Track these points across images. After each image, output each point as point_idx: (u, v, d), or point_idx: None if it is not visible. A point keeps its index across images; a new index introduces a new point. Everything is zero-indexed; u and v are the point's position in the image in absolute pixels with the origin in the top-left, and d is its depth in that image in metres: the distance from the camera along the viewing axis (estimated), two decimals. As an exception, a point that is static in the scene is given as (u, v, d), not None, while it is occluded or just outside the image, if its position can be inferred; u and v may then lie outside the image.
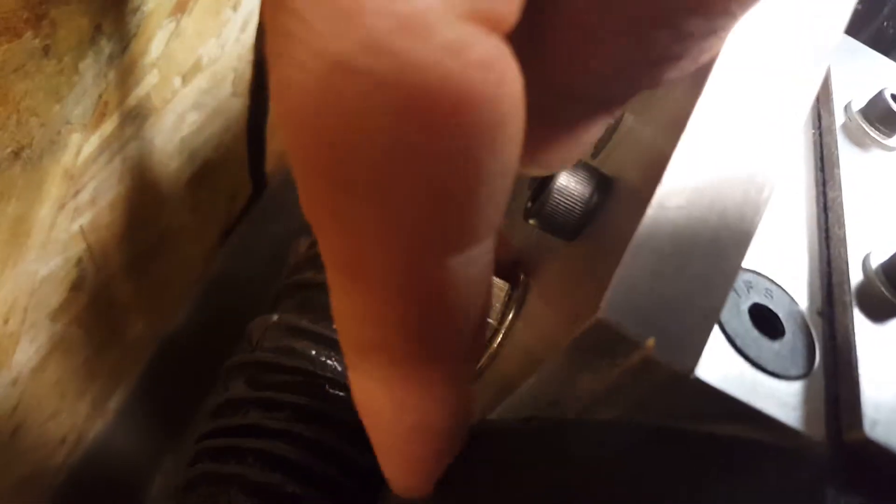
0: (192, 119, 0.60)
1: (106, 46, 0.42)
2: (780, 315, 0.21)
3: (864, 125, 0.27)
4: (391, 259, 0.13)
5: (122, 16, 0.42)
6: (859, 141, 0.27)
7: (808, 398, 0.20)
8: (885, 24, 0.34)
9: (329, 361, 0.36)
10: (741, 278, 0.21)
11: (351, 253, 0.13)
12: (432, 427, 0.16)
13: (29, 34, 0.35)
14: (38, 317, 0.50)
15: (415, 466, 0.17)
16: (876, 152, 0.27)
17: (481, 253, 0.14)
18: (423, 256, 0.13)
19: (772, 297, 0.21)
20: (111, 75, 0.44)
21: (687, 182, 0.19)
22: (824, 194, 0.25)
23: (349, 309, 0.14)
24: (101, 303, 0.59)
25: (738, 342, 0.20)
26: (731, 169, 0.19)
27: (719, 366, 0.19)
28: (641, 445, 0.20)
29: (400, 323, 0.14)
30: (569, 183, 0.23)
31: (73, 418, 0.62)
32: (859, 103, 0.28)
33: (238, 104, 0.66)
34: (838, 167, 0.25)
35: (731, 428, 0.19)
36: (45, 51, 0.36)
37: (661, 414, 0.20)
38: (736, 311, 0.20)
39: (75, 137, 0.44)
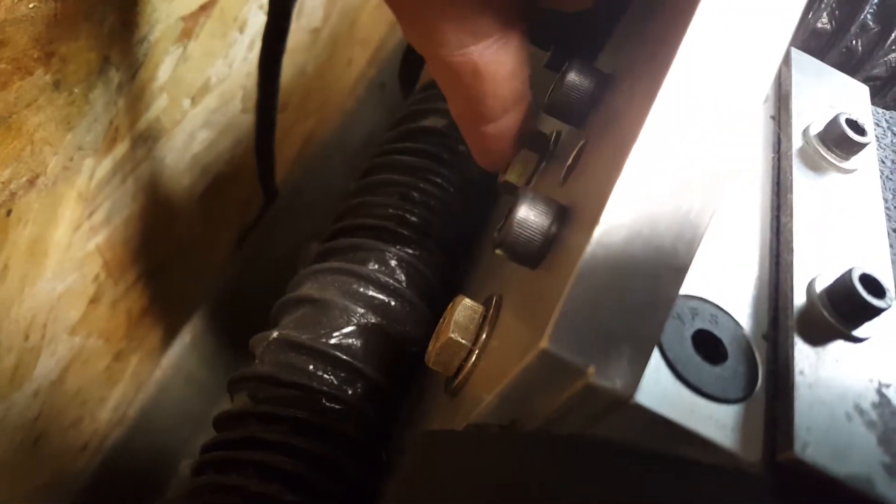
0: (203, 136, 0.62)
1: (115, 76, 0.44)
2: (724, 340, 0.22)
3: (820, 149, 0.28)
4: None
5: (129, 46, 0.44)
6: (815, 165, 0.28)
7: (747, 420, 0.21)
8: (853, 42, 0.35)
9: (326, 376, 0.38)
10: (687, 305, 0.23)
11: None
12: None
13: (40, 71, 0.37)
14: (57, 331, 0.52)
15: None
16: (832, 175, 0.28)
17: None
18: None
19: (717, 322, 0.23)
20: (121, 102, 0.46)
21: (625, 220, 0.20)
22: (777, 219, 0.26)
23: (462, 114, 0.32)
24: (119, 314, 0.62)
25: (679, 367, 0.21)
26: (668, 206, 0.21)
27: (659, 391, 0.21)
28: (592, 460, 0.21)
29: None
30: (528, 215, 0.24)
31: (95, 424, 0.65)
32: (818, 127, 0.29)
33: (248, 119, 0.68)
34: (791, 192, 0.26)
35: (673, 448, 0.21)
36: (56, 85, 0.39)
37: (611, 433, 0.21)
38: (679, 337, 0.22)
39: (88, 162, 0.46)
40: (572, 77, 0.29)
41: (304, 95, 0.81)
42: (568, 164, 0.29)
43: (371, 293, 0.40)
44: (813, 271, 0.24)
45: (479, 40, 0.28)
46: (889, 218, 0.29)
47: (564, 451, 0.22)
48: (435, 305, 0.43)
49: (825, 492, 0.20)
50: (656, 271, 0.20)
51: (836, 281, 0.23)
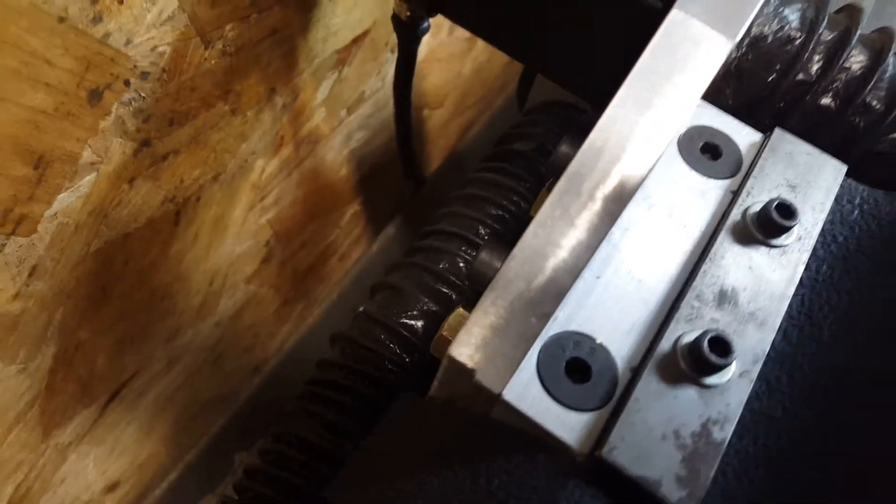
0: (359, 136, 0.76)
1: (279, 100, 0.59)
2: (594, 368, 0.31)
3: (751, 226, 0.34)
4: None
5: (290, 78, 0.59)
6: (744, 239, 0.34)
7: (589, 426, 0.30)
8: (856, 119, 0.39)
9: (391, 345, 0.50)
10: (572, 339, 0.31)
11: None
12: None
13: (220, 104, 0.52)
14: (235, 280, 0.70)
15: None
16: (758, 249, 0.34)
17: None
18: None
19: (594, 353, 0.31)
20: (285, 118, 0.61)
21: (521, 270, 0.30)
22: (686, 282, 0.33)
23: None
24: (286, 271, 0.79)
25: (546, 381, 0.30)
26: (559, 259, 0.30)
27: (526, 394, 0.30)
28: (479, 431, 0.31)
29: None
30: (485, 257, 0.34)
31: (265, 353, 0.84)
32: (758, 207, 0.35)
33: (400, 121, 0.81)
34: (705, 261, 0.33)
35: (534, 436, 0.30)
36: (233, 112, 0.54)
37: (502, 417, 0.31)
38: (555, 360, 0.30)
39: (259, 162, 0.62)
40: (563, 148, 0.38)
41: (462, 93, 0.93)
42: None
43: (437, 287, 0.52)
44: (690, 327, 0.31)
45: None
46: (814, 288, 0.35)
47: (468, 423, 0.32)
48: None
49: (619, 483, 0.28)
50: (533, 311, 0.29)
51: (695, 339, 0.30)
